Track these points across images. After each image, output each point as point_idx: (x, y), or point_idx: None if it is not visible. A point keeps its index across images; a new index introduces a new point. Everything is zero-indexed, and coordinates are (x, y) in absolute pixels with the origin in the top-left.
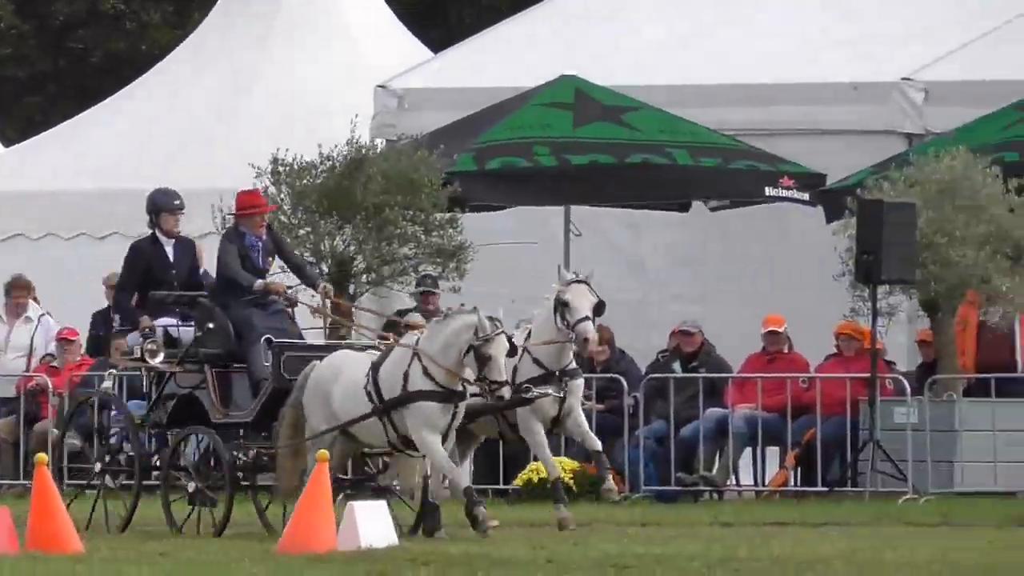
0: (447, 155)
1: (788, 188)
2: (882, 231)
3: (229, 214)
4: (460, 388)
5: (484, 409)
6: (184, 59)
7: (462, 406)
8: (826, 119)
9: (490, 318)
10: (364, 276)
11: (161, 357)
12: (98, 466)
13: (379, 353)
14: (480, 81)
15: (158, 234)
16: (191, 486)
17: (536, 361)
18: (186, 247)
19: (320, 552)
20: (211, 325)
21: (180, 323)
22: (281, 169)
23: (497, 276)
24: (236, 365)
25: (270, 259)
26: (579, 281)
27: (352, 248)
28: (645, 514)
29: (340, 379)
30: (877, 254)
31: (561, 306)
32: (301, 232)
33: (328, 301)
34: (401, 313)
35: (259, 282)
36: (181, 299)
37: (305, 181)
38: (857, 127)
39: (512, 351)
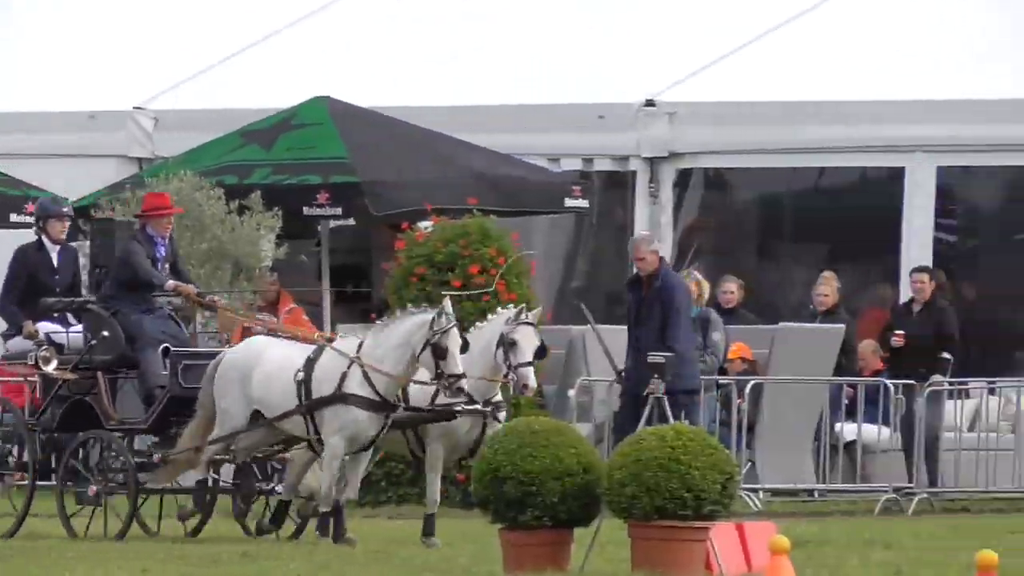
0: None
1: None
2: (113, 246)
3: (136, 215)
4: (395, 400)
5: (409, 421)
6: None
7: (388, 420)
8: (64, 145)
9: (440, 312)
10: None
11: (55, 364)
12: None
13: (311, 346)
14: (234, 103)
15: (44, 240)
16: (92, 488)
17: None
18: (69, 253)
19: None
20: (106, 333)
21: (67, 328)
22: None
23: None
24: (125, 371)
25: (167, 266)
26: (527, 323)
27: None
28: None
29: (263, 361)
30: (109, 267)
31: (507, 345)
32: None
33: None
34: None
35: (171, 282)
36: (70, 305)
37: None
38: (92, 152)
39: (464, 346)
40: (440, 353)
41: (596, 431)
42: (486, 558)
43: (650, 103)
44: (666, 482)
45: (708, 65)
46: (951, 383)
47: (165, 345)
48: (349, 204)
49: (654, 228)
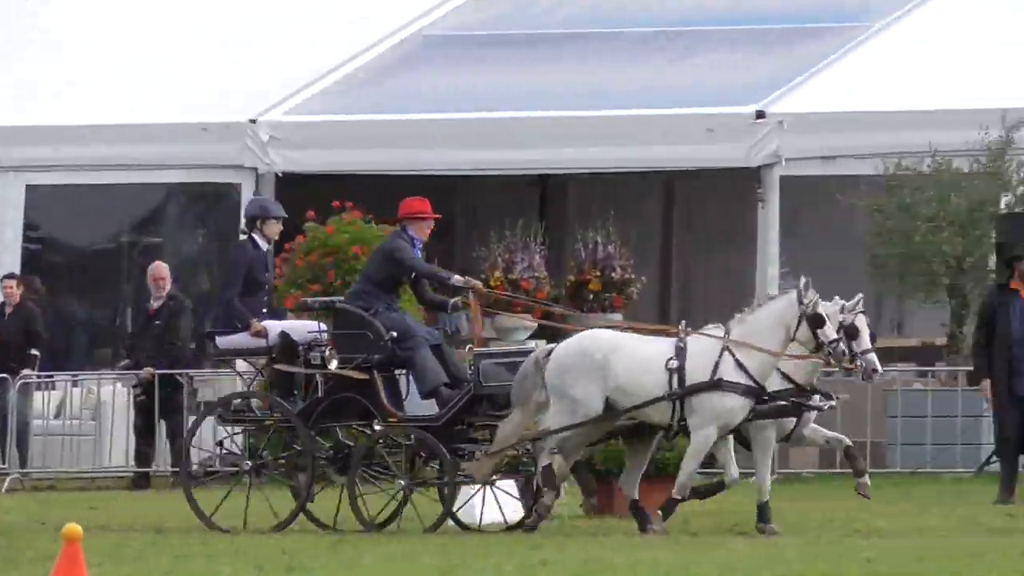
0: None
1: None
2: None
3: (395, 220)
4: (765, 385)
5: (765, 413)
6: None
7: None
8: None
9: (803, 287)
10: None
11: (336, 363)
12: (248, 464)
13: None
14: None
15: (258, 238)
16: (400, 483)
17: (785, 376)
18: (271, 254)
19: None
20: (395, 333)
21: (320, 328)
22: None
23: None
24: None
25: None
26: (863, 311)
27: None
28: None
29: (622, 351)
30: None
31: (848, 333)
32: None
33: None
34: None
35: (458, 277)
36: (324, 304)
37: None
38: None
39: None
40: (819, 322)
41: None
42: None
43: None
44: None
45: None
46: (40, 376)
47: (470, 346)
48: None
49: None
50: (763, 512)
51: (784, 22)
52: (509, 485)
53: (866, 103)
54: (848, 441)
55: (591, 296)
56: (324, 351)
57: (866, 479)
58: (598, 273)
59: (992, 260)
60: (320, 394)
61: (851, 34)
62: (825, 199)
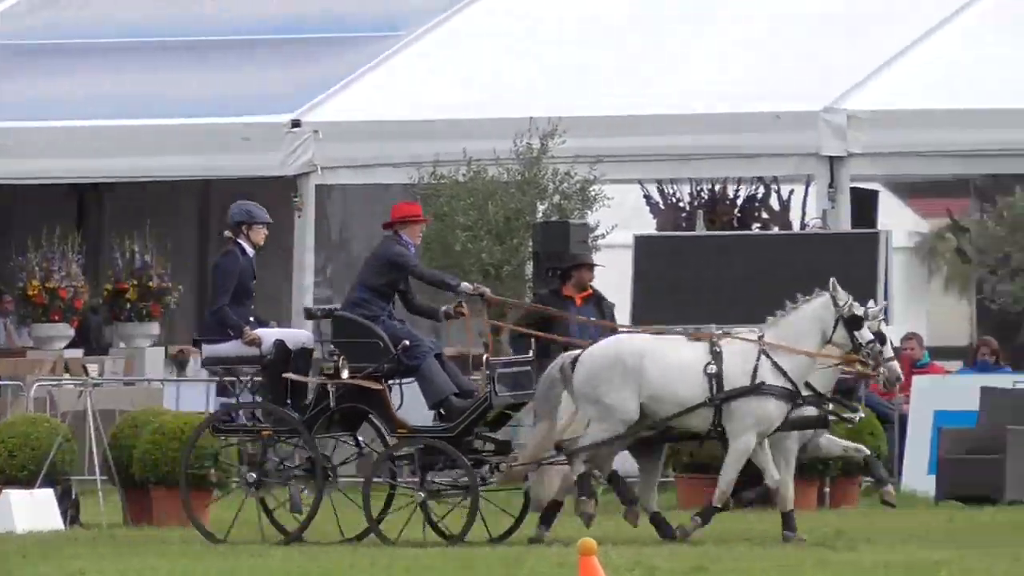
0: None
1: None
2: None
3: (386, 224)
4: (803, 390)
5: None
6: None
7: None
8: None
9: (833, 289)
10: None
11: (347, 372)
12: (253, 475)
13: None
14: None
15: (245, 244)
16: (419, 496)
17: (807, 385)
18: (255, 260)
19: None
20: (407, 343)
21: (318, 337)
22: None
23: None
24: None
25: None
26: (884, 319)
27: None
28: None
29: (655, 355)
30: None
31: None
32: None
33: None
34: None
35: (466, 284)
36: (325, 312)
37: None
38: None
39: None
40: (857, 324)
41: None
42: None
43: None
44: None
45: None
46: None
47: (487, 357)
48: None
49: None
50: (788, 521)
51: (320, 31)
52: (47, 494)
53: (400, 112)
54: (867, 450)
55: (128, 305)
56: (336, 360)
57: (890, 487)
58: (135, 282)
59: (529, 268)
60: (332, 403)
61: (385, 44)
62: (361, 208)
